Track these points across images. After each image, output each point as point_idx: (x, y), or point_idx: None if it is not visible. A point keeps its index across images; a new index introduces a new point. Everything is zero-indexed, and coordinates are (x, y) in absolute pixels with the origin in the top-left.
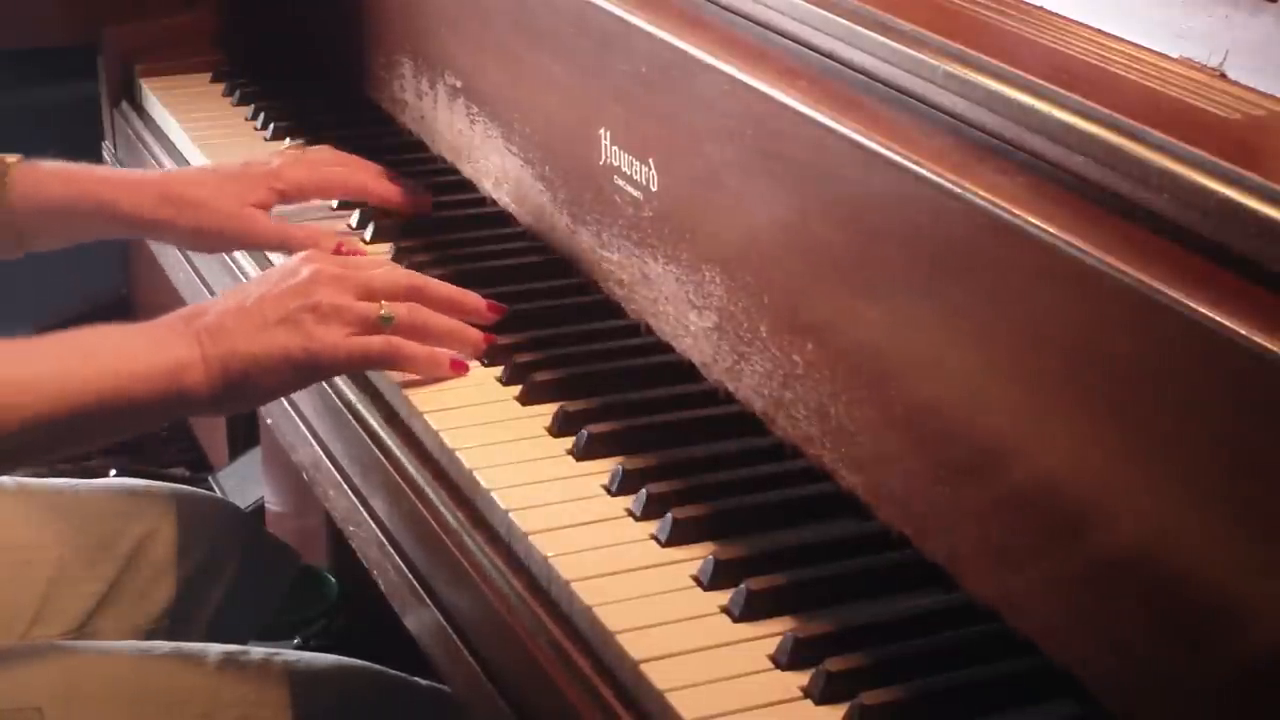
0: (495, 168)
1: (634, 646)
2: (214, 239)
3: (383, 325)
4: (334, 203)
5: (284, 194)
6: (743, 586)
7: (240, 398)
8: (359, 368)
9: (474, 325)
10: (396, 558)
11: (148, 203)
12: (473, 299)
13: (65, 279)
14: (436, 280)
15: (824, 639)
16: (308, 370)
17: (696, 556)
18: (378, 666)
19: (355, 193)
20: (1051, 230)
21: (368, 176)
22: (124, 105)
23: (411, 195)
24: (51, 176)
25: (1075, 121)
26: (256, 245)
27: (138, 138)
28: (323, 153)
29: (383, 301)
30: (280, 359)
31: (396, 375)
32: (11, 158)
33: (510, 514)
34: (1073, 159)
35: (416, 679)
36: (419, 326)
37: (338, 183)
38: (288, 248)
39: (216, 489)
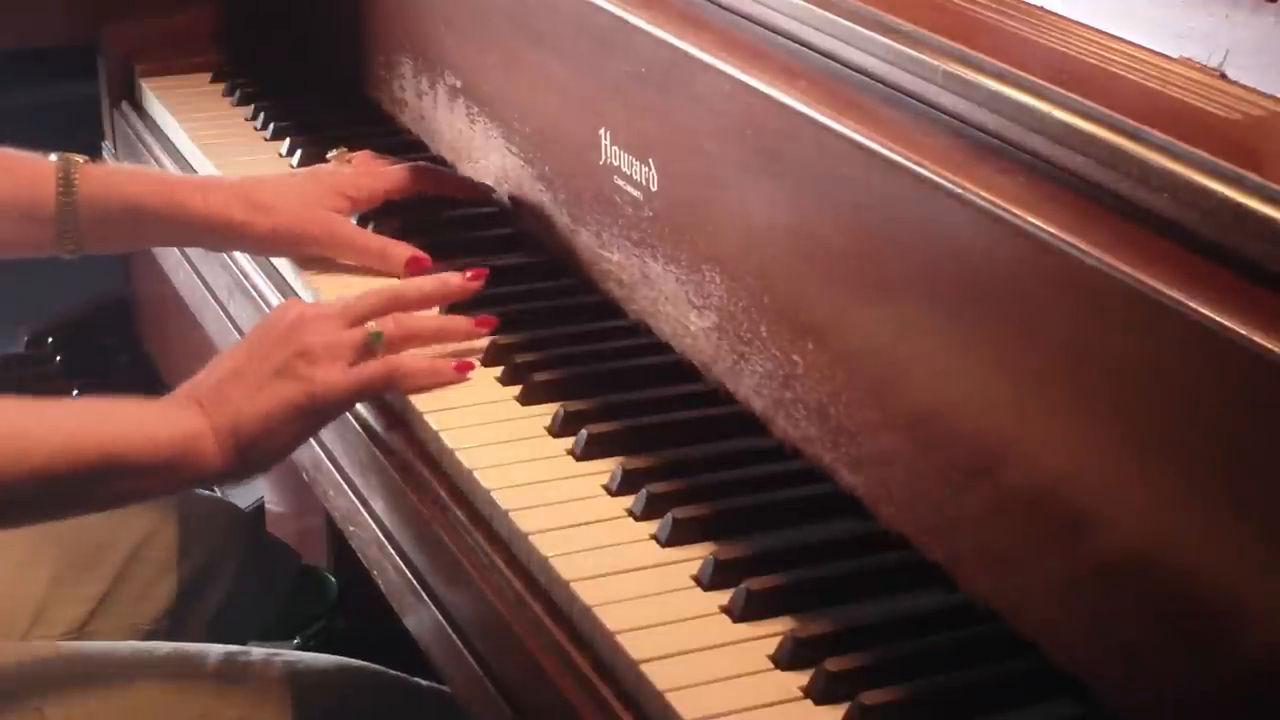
0: (495, 168)
1: (634, 646)
2: (292, 242)
3: (374, 344)
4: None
5: (356, 201)
6: (743, 586)
7: (255, 461)
8: (365, 397)
9: (464, 321)
10: (396, 558)
11: (222, 202)
12: (450, 282)
13: (65, 279)
14: (410, 281)
15: (824, 639)
16: (315, 415)
17: (696, 556)
18: (377, 667)
19: (422, 193)
20: (1051, 230)
21: (430, 177)
22: (124, 105)
23: (467, 185)
24: (121, 176)
25: (1075, 121)
26: (335, 248)
27: (138, 138)
28: (367, 159)
29: (369, 324)
30: (287, 411)
31: None
32: (79, 157)
33: (510, 514)
34: (1073, 159)
35: (417, 679)
36: (409, 335)
37: (407, 188)
38: (364, 255)
39: (217, 489)
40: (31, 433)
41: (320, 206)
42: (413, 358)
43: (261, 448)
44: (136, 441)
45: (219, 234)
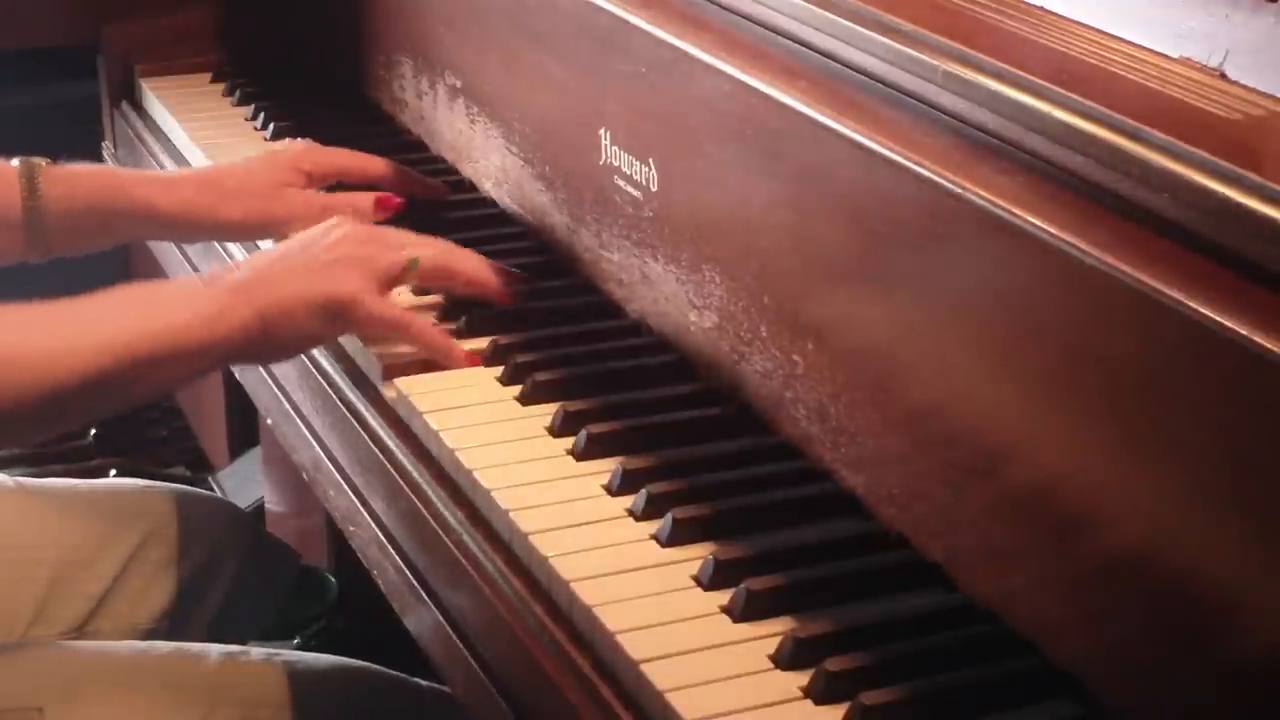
0: (495, 168)
1: (634, 646)
2: (263, 222)
3: (410, 269)
4: None
5: (310, 175)
6: (743, 586)
7: (276, 345)
8: (384, 328)
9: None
10: (396, 558)
11: (187, 194)
12: (494, 279)
13: (65, 279)
14: (465, 254)
15: (824, 639)
16: (334, 320)
17: (696, 556)
18: (377, 667)
19: (375, 178)
20: (1051, 230)
21: (385, 164)
22: (124, 105)
23: (425, 182)
24: (85, 177)
25: (1075, 121)
26: (300, 220)
27: (138, 138)
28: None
29: (408, 250)
30: (310, 306)
31: (396, 373)
32: (41, 161)
33: (510, 514)
34: (1073, 159)
35: (416, 679)
36: (444, 270)
37: (360, 167)
38: (331, 215)
39: (216, 489)
40: (70, 337)
41: (280, 185)
42: (439, 331)
43: (284, 332)
44: (169, 330)
45: (188, 226)
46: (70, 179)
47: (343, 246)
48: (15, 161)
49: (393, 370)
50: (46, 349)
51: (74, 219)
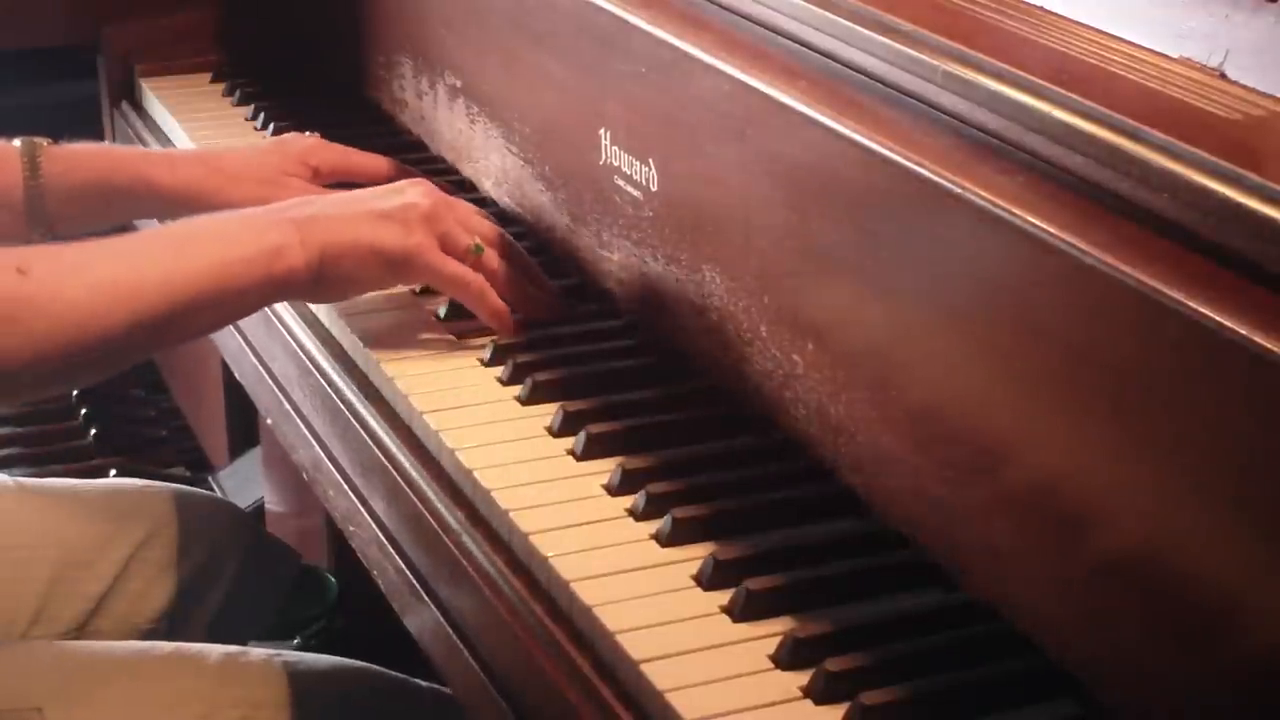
0: (495, 168)
1: (634, 646)
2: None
3: (472, 253)
4: None
5: (318, 171)
6: (743, 586)
7: (330, 285)
8: (443, 284)
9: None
10: (396, 558)
11: (191, 174)
12: (539, 298)
13: None
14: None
15: (824, 639)
16: (394, 268)
17: (696, 556)
18: (377, 668)
19: (381, 178)
20: (1051, 230)
21: (390, 164)
22: (124, 105)
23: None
24: (87, 155)
25: (1075, 121)
26: None
27: (138, 138)
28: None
29: (475, 237)
30: (373, 250)
31: (396, 373)
32: (42, 140)
33: (510, 514)
34: (1073, 159)
35: (416, 680)
36: (497, 271)
37: (368, 167)
38: None
39: (216, 489)
40: (124, 279)
41: (284, 174)
42: (496, 296)
43: (339, 274)
44: (227, 268)
45: (192, 205)
46: (71, 157)
47: (419, 201)
48: (17, 142)
49: (392, 368)
50: (104, 292)
51: (75, 197)
